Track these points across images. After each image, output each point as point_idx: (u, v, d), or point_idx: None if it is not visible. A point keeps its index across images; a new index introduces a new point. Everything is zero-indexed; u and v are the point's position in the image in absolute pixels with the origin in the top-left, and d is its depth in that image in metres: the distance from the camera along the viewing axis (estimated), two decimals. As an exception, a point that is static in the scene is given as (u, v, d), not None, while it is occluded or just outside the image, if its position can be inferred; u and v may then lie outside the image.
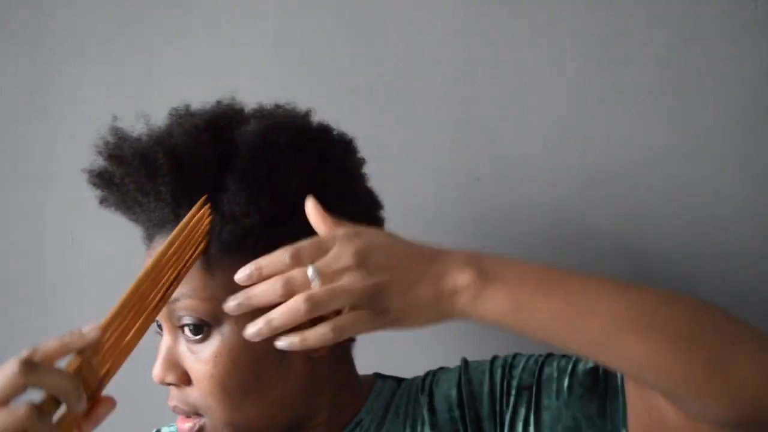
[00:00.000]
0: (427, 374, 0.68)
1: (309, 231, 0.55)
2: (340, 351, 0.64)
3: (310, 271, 0.51)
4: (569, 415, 0.59)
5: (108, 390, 0.51)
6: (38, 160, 0.96)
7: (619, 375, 0.59)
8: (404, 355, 0.85)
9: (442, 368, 0.69)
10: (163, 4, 0.96)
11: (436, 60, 0.91)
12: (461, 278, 0.52)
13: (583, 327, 0.51)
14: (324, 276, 0.51)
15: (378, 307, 0.52)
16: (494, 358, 0.66)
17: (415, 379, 0.69)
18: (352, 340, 0.64)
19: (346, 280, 0.51)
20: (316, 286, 0.51)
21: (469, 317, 0.52)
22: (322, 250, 0.52)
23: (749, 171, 0.88)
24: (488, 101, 0.91)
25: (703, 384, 0.49)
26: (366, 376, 0.70)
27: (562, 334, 0.52)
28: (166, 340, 0.60)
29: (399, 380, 0.70)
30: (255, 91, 0.93)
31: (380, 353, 0.73)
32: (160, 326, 0.61)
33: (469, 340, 0.91)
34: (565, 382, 0.60)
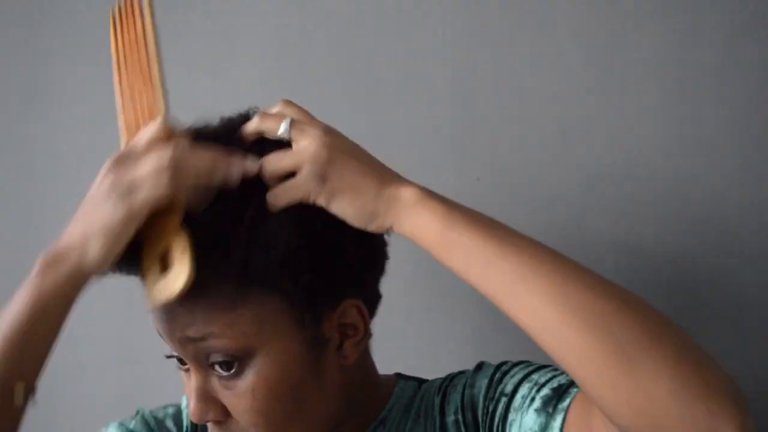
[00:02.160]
0: (447, 377, 0.68)
1: (336, 258, 0.57)
2: (364, 353, 0.64)
3: (283, 124, 0.56)
4: (525, 426, 0.57)
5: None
6: (38, 160, 0.96)
7: (572, 394, 0.56)
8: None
9: (462, 372, 0.68)
10: (163, 4, 0.96)
11: (436, 60, 0.91)
12: (406, 191, 0.54)
13: (497, 267, 0.52)
14: (294, 129, 0.56)
15: (320, 174, 0.54)
16: (502, 363, 0.65)
17: (435, 380, 0.69)
18: (369, 335, 0.63)
19: (306, 141, 0.55)
20: (284, 134, 0.56)
21: (398, 228, 0.55)
22: (306, 119, 0.57)
23: (749, 171, 0.88)
24: (488, 101, 0.91)
25: (604, 369, 0.46)
26: (387, 376, 0.70)
27: (476, 270, 0.52)
28: (196, 379, 0.58)
29: (420, 381, 0.70)
30: (255, 91, 0.93)
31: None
32: (180, 360, 0.60)
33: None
34: (530, 395, 0.58)
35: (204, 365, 0.57)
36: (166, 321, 0.57)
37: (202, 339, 0.55)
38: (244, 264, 0.54)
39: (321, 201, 0.55)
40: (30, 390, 0.56)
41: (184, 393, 0.67)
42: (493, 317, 0.90)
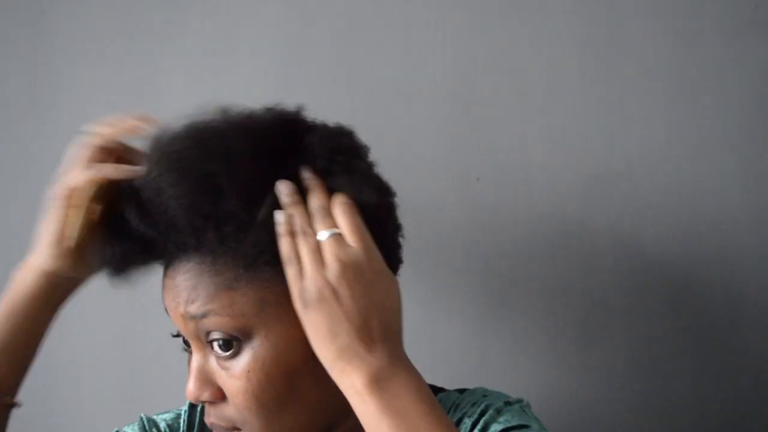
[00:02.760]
0: (479, 409, 0.64)
1: None
2: None
3: (324, 234, 0.56)
4: None
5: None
6: (38, 160, 0.96)
7: None
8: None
9: (498, 411, 0.63)
10: (163, 4, 0.96)
11: (436, 60, 0.91)
12: (356, 377, 0.54)
13: None
14: (325, 246, 0.56)
15: (305, 298, 0.55)
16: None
17: (452, 396, 0.66)
18: None
19: (321, 266, 0.55)
20: (308, 240, 0.56)
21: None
22: (354, 237, 0.56)
23: (749, 171, 0.88)
24: (488, 101, 0.91)
25: None
26: None
27: None
28: (196, 358, 0.59)
29: (432, 390, 0.68)
30: (255, 90, 0.93)
31: None
32: (186, 342, 0.61)
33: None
34: None
35: (204, 343, 0.58)
36: (172, 297, 0.58)
37: (203, 316, 0.56)
38: (248, 245, 0.56)
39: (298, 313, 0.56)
40: (9, 395, 0.60)
41: (184, 395, 0.67)
42: (492, 317, 0.90)
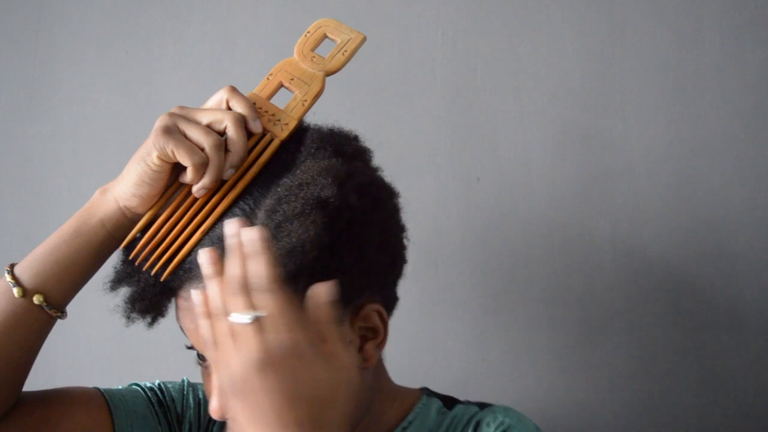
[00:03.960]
0: (473, 417, 0.64)
1: (358, 261, 0.56)
2: (380, 360, 0.64)
3: (247, 317, 0.50)
4: None
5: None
6: (38, 160, 0.96)
7: None
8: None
9: (490, 411, 0.64)
10: (163, 4, 0.96)
11: (436, 60, 0.91)
12: None
13: None
14: (240, 333, 0.50)
15: (227, 387, 0.50)
16: None
17: (471, 410, 0.66)
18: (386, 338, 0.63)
19: (241, 347, 0.50)
20: (222, 325, 0.51)
21: None
22: (276, 320, 0.50)
23: (749, 171, 0.88)
24: (488, 101, 0.91)
25: None
26: (410, 389, 0.69)
27: None
28: (217, 377, 0.57)
29: (448, 400, 0.68)
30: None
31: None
32: (200, 357, 0.60)
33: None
34: None
35: None
36: (190, 319, 0.57)
37: None
38: (287, 261, 0.54)
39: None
40: (54, 309, 0.60)
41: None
42: (492, 318, 0.90)
